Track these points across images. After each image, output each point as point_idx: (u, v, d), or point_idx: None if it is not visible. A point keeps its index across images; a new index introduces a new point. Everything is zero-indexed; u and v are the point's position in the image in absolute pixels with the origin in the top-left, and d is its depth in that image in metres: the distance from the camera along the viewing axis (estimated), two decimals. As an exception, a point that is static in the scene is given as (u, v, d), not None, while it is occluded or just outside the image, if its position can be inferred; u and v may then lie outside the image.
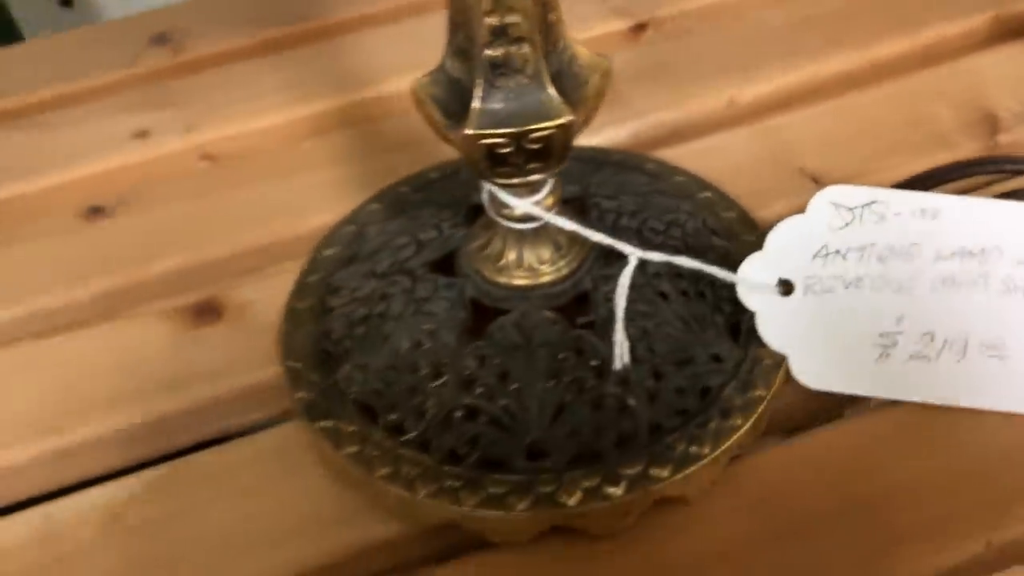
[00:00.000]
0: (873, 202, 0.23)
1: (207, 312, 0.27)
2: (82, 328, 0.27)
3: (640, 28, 0.36)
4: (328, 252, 0.27)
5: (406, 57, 0.35)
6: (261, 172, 0.32)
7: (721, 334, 0.24)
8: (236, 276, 0.29)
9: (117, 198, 0.31)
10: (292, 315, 0.26)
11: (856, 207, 0.23)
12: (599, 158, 0.29)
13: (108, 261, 0.29)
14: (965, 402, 0.23)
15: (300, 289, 0.27)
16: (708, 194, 0.28)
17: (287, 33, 0.37)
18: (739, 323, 0.24)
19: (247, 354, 0.26)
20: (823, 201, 0.23)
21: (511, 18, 0.19)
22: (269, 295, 0.27)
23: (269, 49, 0.37)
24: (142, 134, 0.33)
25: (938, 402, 0.23)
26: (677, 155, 0.31)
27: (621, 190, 0.27)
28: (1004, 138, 0.30)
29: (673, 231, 0.26)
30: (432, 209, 0.27)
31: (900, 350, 0.23)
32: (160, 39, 0.38)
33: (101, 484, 0.24)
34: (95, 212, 0.31)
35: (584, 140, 0.30)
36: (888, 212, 0.23)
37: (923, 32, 0.34)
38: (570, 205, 0.25)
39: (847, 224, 0.23)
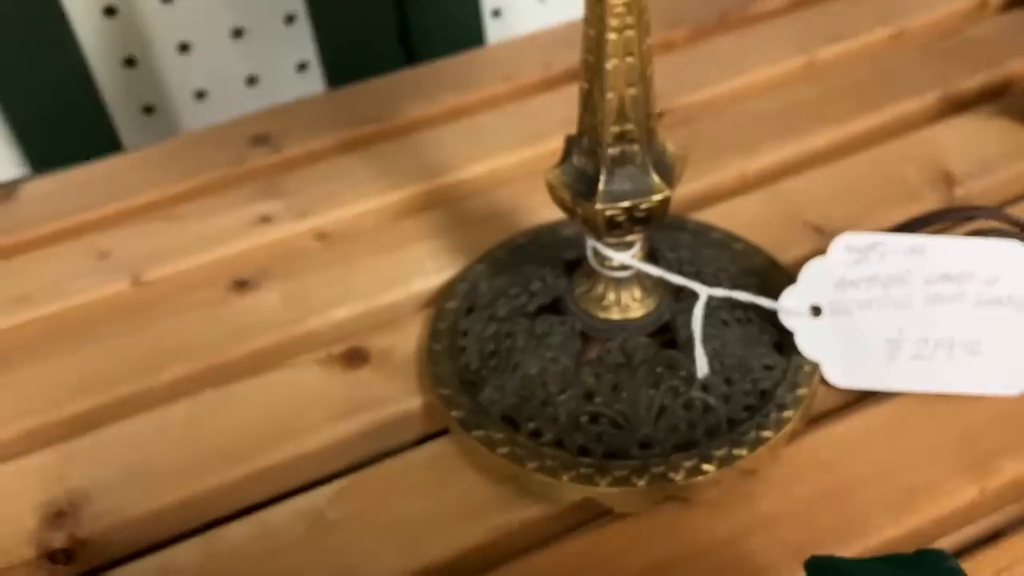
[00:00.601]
0: (876, 244, 0.31)
1: (356, 358, 0.34)
2: (254, 376, 0.34)
3: (659, 115, 0.45)
4: (450, 304, 0.35)
5: (469, 148, 0.43)
6: (368, 247, 0.39)
7: (769, 349, 0.32)
8: (372, 329, 0.35)
9: (257, 272, 0.38)
10: (432, 355, 0.33)
11: (863, 248, 0.31)
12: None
13: (262, 323, 0.36)
14: (954, 389, 0.31)
15: (434, 334, 0.34)
16: (739, 245, 0.36)
17: (367, 132, 0.45)
18: (781, 340, 0.32)
19: (394, 389, 0.33)
20: (839, 245, 0.31)
21: (628, 126, 0.26)
22: (404, 342, 0.35)
23: (355, 146, 0.44)
24: (265, 219, 0.40)
25: (934, 391, 0.31)
26: (708, 216, 0.39)
27: (677, 245, 0.35)
28: (959, 191, 0.38)
29: (721, 274, 0.33)
30: (531, 266, 0.34)
31: (903, 353, 0.31)
32: (260, 140, 0.45)
33: (302, 493, 0.31)
34: (241, 285, 0.38)
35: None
36: (887, 251, 0.31)
37: (888, 110, 0.43)
38: (647, 256, 0.33)
39: (857, 261, 0.31)
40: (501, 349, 0.32)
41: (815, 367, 0.31)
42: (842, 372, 0.31)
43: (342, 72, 0.53)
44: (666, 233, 0.36)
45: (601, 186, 0.27)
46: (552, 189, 0.29)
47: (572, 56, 0.48)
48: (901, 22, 0.48)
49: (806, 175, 0.40)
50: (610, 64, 0.26)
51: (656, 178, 0.27)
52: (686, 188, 0.40)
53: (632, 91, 0.26)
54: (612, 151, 0.27)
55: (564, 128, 0.29)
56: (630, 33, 0.25)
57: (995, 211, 0.33)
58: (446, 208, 0.41)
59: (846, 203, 0.39)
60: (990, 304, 0.31)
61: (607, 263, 0.30)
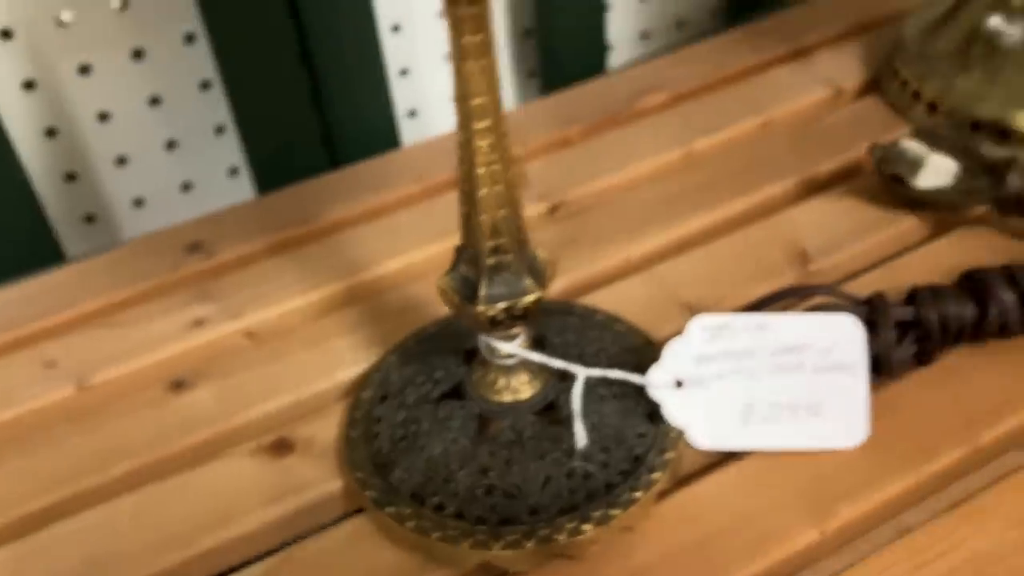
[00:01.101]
0: (726, 323, 0.36)
1: (282, 447, 0.38)
2: (193, 469, 0.38)
3: (555, 208, 0.50)
4: (365, 393, 0.39)
5: (386, 246, 0.48)
6: (294, 344, 0.43)
7: (643, 419, 0.36)
8: (297, 419, 0.40)
9: (192, 372, 0.42)
10: (349, 441, 0.37)
11: (715, 327, 0.36)
12: (545, 308, 0.42)
13: (198, 420, 0.40)
14: (800, 446, 0.36)
15: (351, 422, 0.38)
16: (620, 326, 0.41)
17: (293, 235, 0.49)
18: (652, 411, 0.36)
19: (316, 474, 0.37)
20: (695, 326, 0.36)
21: (501, 240, 0.31)
22: (325, 430, 0.39)
23: (282, 248, 0.49)
24: (199, 322, 0.45)
25: (783, 448, 0.36)
26: (596, 299, 0.44)
27: (565, 329, 0.39)
28: (813, 267, 0.44)
29: (601, 353, 0.38)
30: (437, 356, 0.39)
31: (755, 416, 0.36)
32: (194, 247, 0.49)
33: (239, 572, 0.34)
34: (178, 385, 0.42)
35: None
36: (735, 329, 0.36)
37: (756, 194, 0.49)
38: (536, 342, 0.38)
39: (711, 339, 0.36)
40: (409, 433, 0.36)
41: (680, 433, 0.36)
42: (704, 436, 0.36)
43: (271, 177, 0.57)
44: (555, 319, 0.40)
45: (482, 291, 0.32)
46: (443, 293, 0.33)
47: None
48: (768, 112, 0.54)
49: (682, 258, 0.46)
50: (481, 193, 0.31)
51: (529, 281, 0.32)
52: (577, 274, 0.45)
53: (502, 212, 0.31)
54: (489, 261, 0.32)
55: (448, 232, 0.34)
56: (496, 167, 0.30)
57: (830, 288, 0.39)
58: (365, 303, 0.45)
59: (716, 282, 0.44)
60: (827, 370, 0.36)
61: (496, 353, 0.35)
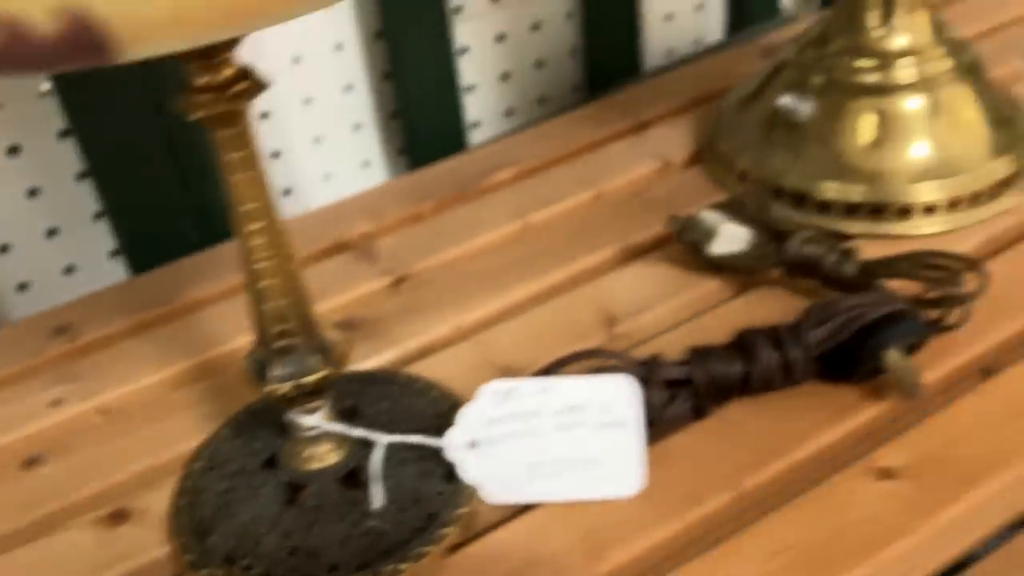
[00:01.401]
0: (513, 388, 0.40)
1: (120, 517, 0.42)
2: (38, 541, 0.41)
3: (400, 280, 0.54)
4: (196, 464, 0.42)
5: (236, 323, 0.51)
6: (144, 419, 0.47)
7: (442, 479, 0.40)
8: (138, 490, 0.43)
9: (46, 450, 0.46)
10: (177, 510, 0.41)
11: (504, 392, 0.40)
12: (371, 377, 0.46)
13: (47, 494, 0.43)
14: (582, 497, 0.40)
15: (181, 491, 0.41)
16: (436, 392, 0.44)
17: (155, 314, 0.53)
18: (451, 470, 0.40)
19: (147, 540, 0.41)
20: (486, 392, 0.40)
21: (287, 326, 0.35)
22: (160, 500, 0.42)
23: (144, 328, 0.52)
24: (57, 402, 0.48)
25: (568, 499, 0.40)
26: (425, 366, 0.47)
27: (382, 397, 0.43)
28: (618, 330, 0.48)
29: (412, 420, 0.42)
30: (261, 428, 0.42)
31: (541, 471, 0.40)
32: (60, 330, 0.53)
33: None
34: (32, 462, 0.45)
35: (362, 366, 0.47)
36: (523, 392, 0.40)
37: (580, 262, 0.53)
38: (348, 411, 0.42)
39: (501, 403, 0.40)
40: (227, 501, 0.39)
41: (474, 490, 0.40)
42: (495, 492, 0.40)
43: (146, 258, 0.61)
44: (377, 387, 0.44)
45: (270, 371, 0.36)
46: (245, 373, 0.37)
47: (335, 233, 0.57)
48: (600, 185, 0.59)
49: (506, 325, 0.50)
50: (262, 285, 0.34)
51: (316, 361, 0.36)
52: (412, 343, 0.49)
53: (284, 301, 0.35)
54: (276, 345, 0.35)
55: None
56: (272, 262, 0.34)
57: (612, 352, 0.43)
58: (213, 378, 0.49)
59: (533, 347, 0.48)
60: (605, 427, 0.40)
61: (299, 426, 0.38)
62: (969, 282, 0.44)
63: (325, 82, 0.65)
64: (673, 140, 0.62)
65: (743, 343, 0.42)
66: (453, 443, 0.40)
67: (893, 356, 0.41)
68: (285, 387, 0.36)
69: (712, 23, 0.78)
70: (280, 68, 0.63)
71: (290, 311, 0.35)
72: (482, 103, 0.72)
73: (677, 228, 0.50)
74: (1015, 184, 0.53)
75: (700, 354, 0.42)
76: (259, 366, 0.36)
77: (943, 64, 0.53)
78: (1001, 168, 0.53)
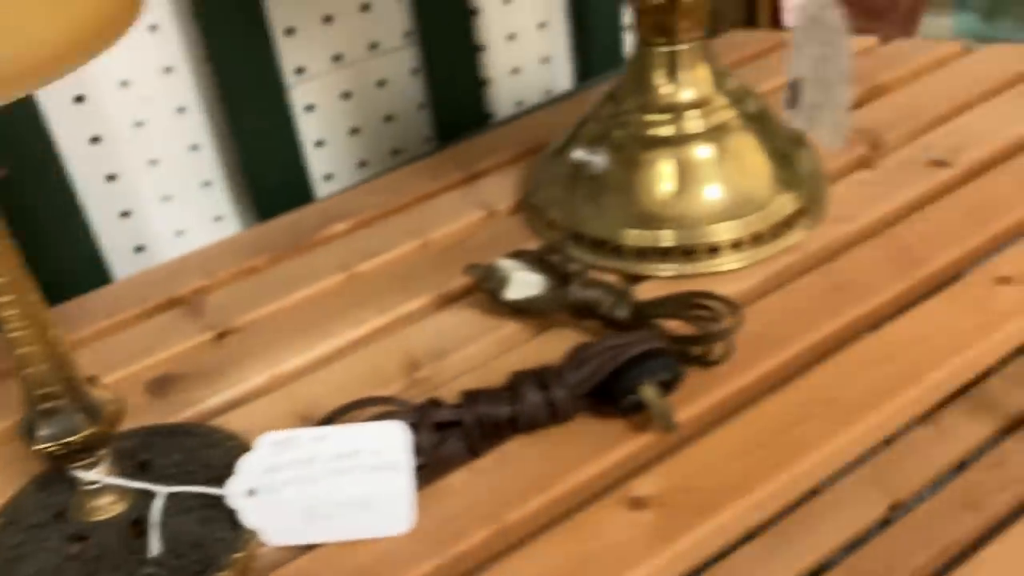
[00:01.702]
0: (291, 437, 0.43)
1: (-79, 575, 0.44)
2: None
3: (224, 334, 0.56)
4: (-1, 521, 0.44)
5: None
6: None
7: (225, 524, 0.42)
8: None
9: None
10: (-27, 565, 0.43)
11: (283, 441, 0.43)
12: (171, 430, 0.48)
13: None
14: (358, 536, 0.42)
15: (-20, 548, 0.43)
16: (234, 443, 0.47)
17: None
18: (234, 516, 0.42)
19: (-52, 596, 0.43)
20: (265, 442, 0.43)
21: (50, 389, 0.38)
22: (-38, 556, 0.44)
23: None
24: None
25: (343, 539, 0.42)
26: (233, 418, 0.50)
27: (176, 449, 0.46)
28: (419, 375, 0.51)
29: (203, 470, 0.44)
30: (60, 483, 0.44)
31: (318, 514, 0.42)
32: None
33: None
34: None
35: (174, 419, 0.49)
36: (299, 441, 0.43)
37: (398, 309, 0.56)
38: (140, 464, 0.44)
39: (280, 452, 0.43)
40: (17, 555, 0.42)
41: (254, 535, 0.42)
42: (275, 535, 0.42)
43: None
44: (174, 439, 0.47)
45: (37, 432, 0.38)
46: (16, 433, 0.39)
47: (169, 289, 0.60)
48: (427, 234, 0.62)
49: (317, 374, 0.52)
50: (21, 352, 0.37)
51: (82, 420, 0.39)
52: (224, 396, 0.52)
53: (44, 366, 0.37)
54: (41, 407, 0.38)
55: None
56: (28, 331, 0.37)
57: (388, 399, 0.46)
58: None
59: (339, 396, 0.50)
60: (377, 470, 0.43)
61: (80, 480, 0.41)
62: (727, 321, 0.48)
63: (169, 142, 0.68)
64: (502, 189, 0.65)
65: (512, 385, 0.45)
66: (233, 491, 0.42)
67: (648, 392, 0.44)
68: (52, 446, 0.38)
69: (559, 74, 0.82)
70: (122, 131, 0.66)
71: (52, 375, 0.38)
72: (333, 156, 0.75)
73: (476, 277, 0.53)
74: (799, 221, 0.57)
75: (472, 397, 0.45)
76: (28, 427, 0.38)
77: (727, 113, 0.57)
78: (787, 206, 0.56)
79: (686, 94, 0.56)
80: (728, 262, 0.55)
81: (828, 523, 0.72)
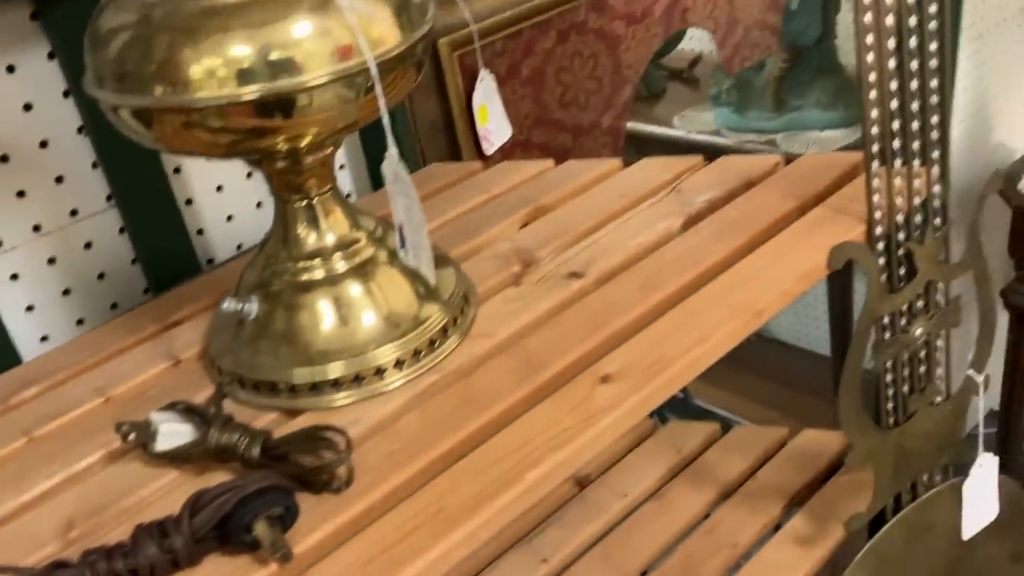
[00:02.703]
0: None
1: None
2: None
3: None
4: None
5: None
6: None
7: None
8: None
9: None
10: None
11: None
12: None
13: None
14: None
15: None
16: None
17: None
18: None
19: None
20: None
21: None
22: None
23: None
24: None
25: None
26: None
27: None
28: (73, 535, 0.53)
29: None
30: None
31: None
32: None
33: None
34: None
35: None
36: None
37: (65, 471, 0.58)
38: None
39: None
40: None
41: None
42: None
43: None
44: None
45: None
46: None
47: None
48: (111, 390, 0.65)
49: (-24, 545, 0.54)
50: None
51: None
52: None
53: None
54: None
55: None
56: None
57: (10, 568, 0.48)
58: None
59: (-8, 563, 0.52)
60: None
61: None
62: (340, 449, 0.52)
63: None
64: (193, 339, 0.69)
65: (132, 538, 0.48)
66: None
67: (260, 528, 0.48)
68: None
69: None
70: None
71: None
72: (48, 319, 0.77)
73: (123, 434, 0.56)
74: (447, 338, 0.62)
75: (91, 553, 0.48)
76: None
77: (369, 250, 0.62)
78: (436, 323, 0.62)
79: (329, 238, 0.62)
80: (395, 380, 0.60)
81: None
